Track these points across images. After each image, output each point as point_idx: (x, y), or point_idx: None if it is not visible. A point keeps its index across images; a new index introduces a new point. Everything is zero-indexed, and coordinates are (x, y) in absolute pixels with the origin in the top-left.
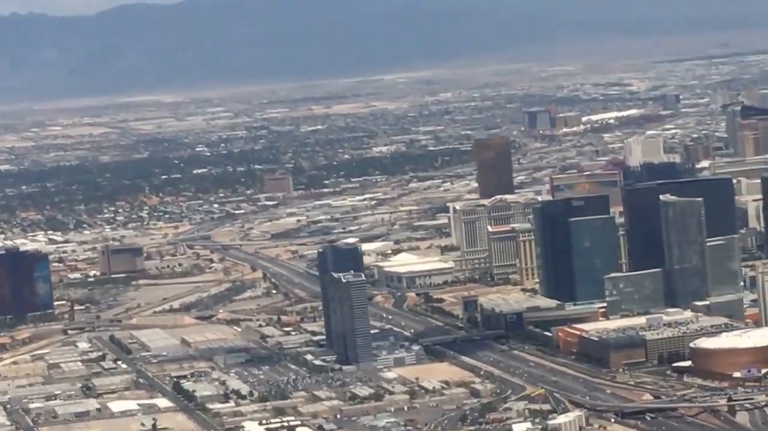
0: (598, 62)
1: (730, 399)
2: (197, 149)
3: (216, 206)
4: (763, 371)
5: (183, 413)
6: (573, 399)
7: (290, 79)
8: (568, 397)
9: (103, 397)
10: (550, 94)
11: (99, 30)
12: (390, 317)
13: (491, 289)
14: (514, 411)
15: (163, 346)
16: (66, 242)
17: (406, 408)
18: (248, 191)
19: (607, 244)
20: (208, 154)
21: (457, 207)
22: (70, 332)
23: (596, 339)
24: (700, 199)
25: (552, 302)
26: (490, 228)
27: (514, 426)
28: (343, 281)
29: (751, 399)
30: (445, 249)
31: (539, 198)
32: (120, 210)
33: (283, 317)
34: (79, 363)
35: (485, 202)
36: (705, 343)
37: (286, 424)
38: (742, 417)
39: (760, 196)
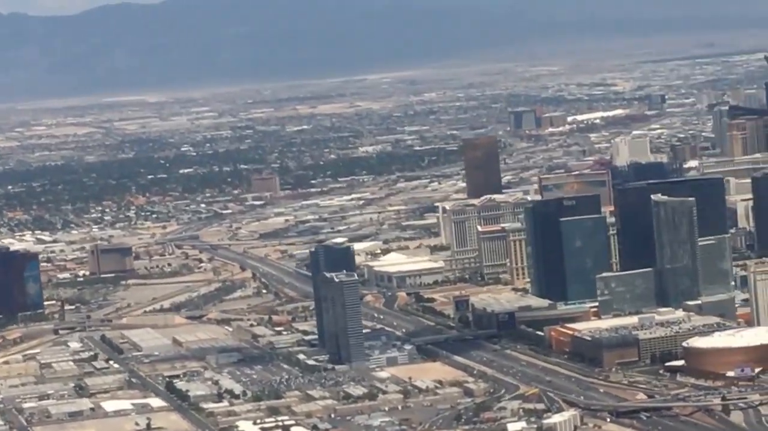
0: (582, 62)
1: (724, 399)
2: (182, 149)
3: (203, 206)
4: (757, 370)
5: (177, 413)
6: (567, 398)
7: (274, 80)
8: (562, 396)
9: (96, 397)
10: (535, 95)
11: (82, 30)
12: (381, 317)
13: (482, 289)
14: (509, 411)
15: (154, 346)
16: (54, 242)
17: (400, 408)
18: (235, 191)
19: (599, 244)
20: (194, 154)
21: (447, 207)
22: (61, 332)
23: (589, 338)
24: (692, 199)
25: (543, 302)
26: (480, 228)
27: (509, 426)
28: (336, 280)
29: (745, 398)
30: (434, 249)
31: (529, 198)
32: (107, 210)
33: (274, 317)
34: (71, 363)
35: (475, 202)
36: (698, 342)
37: (280, 424)
38: (736, 417)
39: (749, 196)
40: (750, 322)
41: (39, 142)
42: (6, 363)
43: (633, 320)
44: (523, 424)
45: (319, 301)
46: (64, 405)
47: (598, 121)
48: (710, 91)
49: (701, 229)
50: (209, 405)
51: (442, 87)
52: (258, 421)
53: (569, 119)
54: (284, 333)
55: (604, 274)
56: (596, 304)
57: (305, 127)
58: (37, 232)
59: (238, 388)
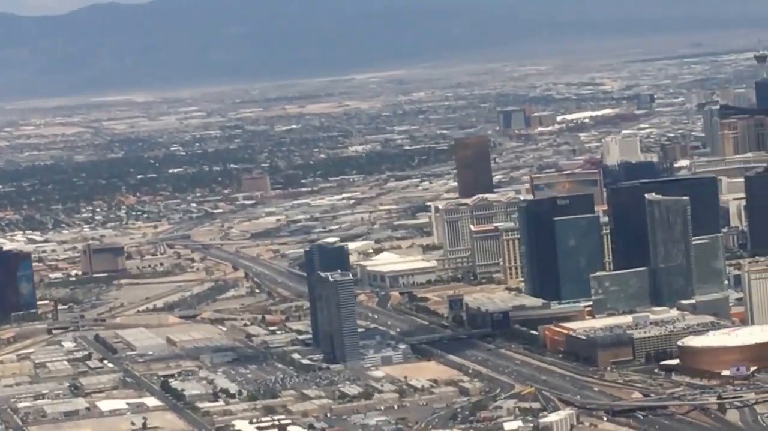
0: (570, 62)
1: (719, 397)
2: (172, 149)
3: (194, 205)
4: (752, 369)
5: (172, 412)
6: (563, 397)
7: (262, 79)
8: (558, 395)
9: (92, 396)
10: (523, 94)
11: (70, 30)
12: (374, 316)
13: (475, 288)
14: (505, 410)
15: (148, 345)
16: (45, 241)
17: (396, 407)
18: (225, 191)
19: (592, 243)
20: (183, 153)
21: (440, 206)
22: (54, 331)
23: (584, 337)
24: (686, 198)
25: (537, 301)
26: (472, 227)
27: (505, 425)
28: (331, 280)
29: (741, 397)
30: (426, 248)
31: (521, 197)
32: (98, 210)
33: (268, 317)
34: (65, 363)
35: (467, 201)
36: (693, 341)
37: (276, 423)
38: (732, 415)
39: (741, 195)
40: (744, 321)
41: (28, 142)
42: (0, 362)
43: (627, 319)
44: (519, 423)
45: (313, 300)
46: (59, 405)
47: (587, 120)
48: (699, 91)
49: (694, 228)
50: (205, 405)
51: (431, 87)
52: (254, 420)
53: (558, 118)
54: (278, 332)
55: (598, 273)
56: (590, 303)
57: (294, 126)
58: (27, 232)
59: (233, 387)
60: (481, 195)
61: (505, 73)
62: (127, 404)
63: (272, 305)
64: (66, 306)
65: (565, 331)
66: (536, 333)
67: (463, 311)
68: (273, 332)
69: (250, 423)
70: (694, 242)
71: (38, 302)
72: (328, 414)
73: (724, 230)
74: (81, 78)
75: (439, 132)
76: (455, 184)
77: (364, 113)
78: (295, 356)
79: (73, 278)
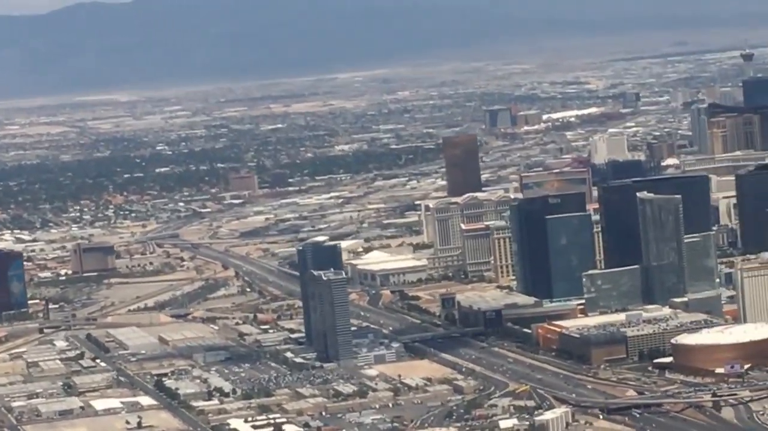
0: (554, 61)
1: (714, 395)
2: (158, 148)
3: (181, 204)
4: (746, 367)
5: (167, 411)
6: (557, 395)
7: (245, 78)
8: (553, 393)
9: (86, 395)
10: (509, 93)
11: (51, 29)
12: (366, 315)
13: (466, 286)
14: (500, 408)
15: (140, 344)
16: (34, 241)
17: (390, 405)
18: (213, 190)
19: (584, 241)
20: (169, 153)
21: (430, 205)
22: (46, 330)
23: (577, 335)
24: (678, 196)
25: (530, 300)
26: (463, 226)
27: (500, 423)
28: (324, 278)
29: (735, 394)
30: (416, 247)
31: (511, 196)
32: (85, 209)
33: (260, 316)
34: (58, 362)
35: (458, 200)
36: (687, 339)
37: (272, 421)
38: (727, 413)
39: (731, 193)
40: (737, 319)
41: (13, 141)
42: None
43: (620, 317)
44: (514, 421)
45: (306, 299)
46: (53, 404)
47: (573, 119)
48: (684, 90)
49: (686, 226)
50: (199, 403)
51: (415, 86)
52: (249, 419)
53: (544, 117)
54: (270, 331)
55: (591, 271)
56: (582, 301)
57: (280, 125)
58: (15, 231)
59: (227, 386)
60: (471, 194)
61: (489, 72)
62: (122, 403)
63: (264, 304)
64: (57, 306)
65: (558, 329)
66: (529, 331)
67: (455, 309)
68: (265, 331)
69: (246, 421)
70: (685, 241)
71: (29, 302)
72: (324, 413)
73: (714, 228)
74: (64, 77)
75: (425, 131)
76: (443, 182)
77: (350, 112)
78: (289, 355)
79: (63, 278)
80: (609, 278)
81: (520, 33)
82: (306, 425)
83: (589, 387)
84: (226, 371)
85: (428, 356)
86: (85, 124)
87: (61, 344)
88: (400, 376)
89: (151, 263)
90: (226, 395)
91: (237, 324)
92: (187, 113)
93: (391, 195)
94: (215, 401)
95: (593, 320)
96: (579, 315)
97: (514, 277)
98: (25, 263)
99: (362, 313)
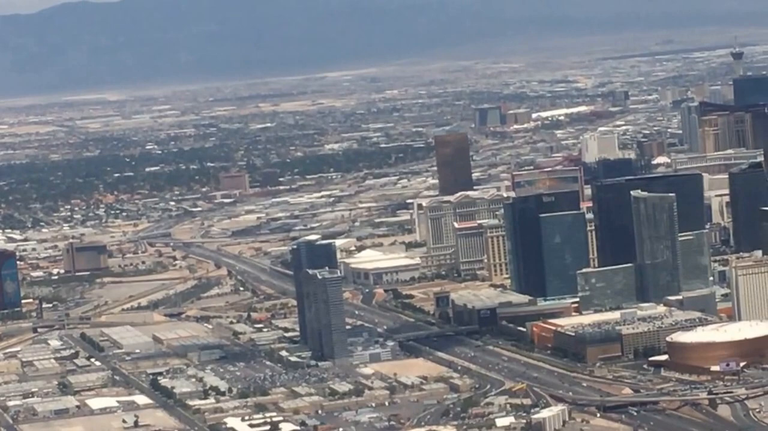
0: (542, 59)
1: (710, 393)
2: (147, 147)
3: (172, 203)
4: (742, 364)
5: (163, 410)
6: (554, 393)
7: (234, 77)
8: (549, 391)
9: (81, 394)
10: (497, 91)
11: (40, 28)
12: (360, 313)
13: (459, 285)
14: (496, 406)
15: (135, 343)
16: (25, 240)
17: (387, 404)
18: (203, 189)
19: (578, 240)
20: (159, 152)
21: (423, 204)
22: (39, 330)
23: (572, 333)
24: (672, 194)
25: (524, 298)
26: (456, 224)
27: (497, 421)
28: (319, 277)
29: (731, 392)
30: (409, 246)
31: (504, 195)
32: (76, 208)
33: (253, 314)
34: (53, 361)
35: (450, 198)
36: (682, 337)
37: (269, 420)
38: (723, 410)
39: (723, 191)
40: (731, 317)
41: (2, 141)
42: None
43: (615, 315)
44: (511, 419)
45: (301, 298)
46: (49, 403)
47: (562, 118)
48: (673, 88)
49: (679, 225)
50: (195, 402)
51: (404, 84)
52: (246, 418)
53: (534, 115)
54: (264, 330)
55: (585, 270)
56: (576, 300)
57: (269, 124)
58: (7, 230)
59: (223, 385)
60: (463, 192)
61: (478, 70)
62: (118, 402)
63: (257, 303)
64: (50, 305)
65: (553, 327)
66: (524, 329)
67: (450, 308)
68: (259, 329)
69: (242, 420)
70: (679, 239)
71: (22, 301)
72: (320, 411)
73: (707, 226)
74: (53, 77)
75: (414, 130)
76: (434, 181)
77: (339, 110)
78: (283, 353)
79: (56, 277)
80: (603, 276)
81: (509, 32)
82: (303, 423)
83: (584, 385)
84: (221, 370)
85: (423, 354)
86: (74, 123)
87: (55, 343)
88: (395, 375)
89: (143, 263)
90: (222, 394)
91: (231, 322)
92: (175, 112)
93: (382, 194)
94: (211, 400)
95: (588, 318)
96: (573, 314)
97: (507, 275)
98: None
99: (356, 312)
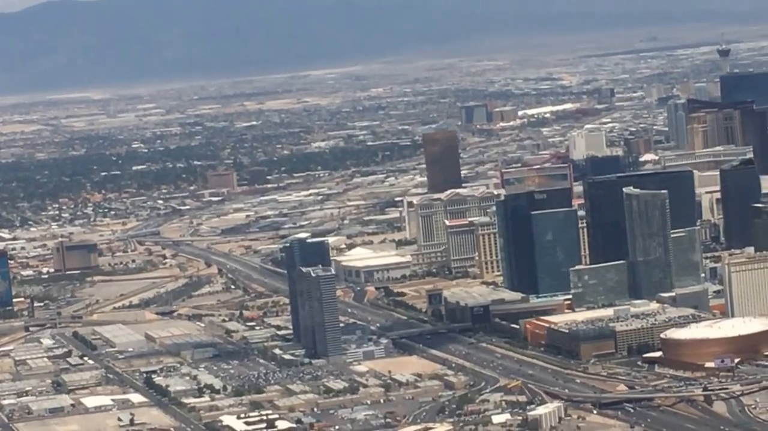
0: (527, 57)
1: (705, 389)
2: (133, 146)
3: (160, 202)
4: (736, 361)
5: (158, 408)
6: (549, 390)
7: (218, 76)
8: (544, 388)
9: (75, 393)
10: (482, 89)
11: (23, 27)
12: (352, 311)
13: (451, 282)
14: (492, 403)
15: (127, 342)
16: (14, 239)
17: (382, 401)
18: (191, 187)
19: (570, 237)
20: (145, 150)
21: (414, 202)
22: (31, 328)
23: (566, 330)
24: (664, 191)
25: (516, 295)
26: (447, 222)
27: (493, 418)
28: (313, 275)
29: (726, 388)
30: (399, 243)
31: (495, 192)
32: (64, 207)
33: (245, 313)
34: (46, 360)
35: (441, 196)
36: (676, 334)
37: (264, 418)
38: (719, 407)
39: (712, 188)
40: (724, 313)
41: None
42: None
43: (608, 312)
44: (507, 416)
45: (294, 296)
46: (44, 402)
47: (548, 115)
48: (658, 85)
49: (671, 221)
50: (190, 400)
51: (389, 82)
52: (242, 416)
53: (520, 113)
54: (257, 328)
55: (578, 267)
56: (568, 297)
57: (254, 123)
58: None
59: (217, 383)
60: (453, 190)
61: (462, 68)
62: (112, 400)
63: (249, 301)
64: (41, 304)
65: (546, 325)
66: (517, 326)
67: (442, 305)
68: (252, 328)
69: (238, 418)
70: (671, 236)
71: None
72: (315, 409)
73: (697, 223)
74: (37, 75)
75: (400, 128)
76: (422, 179)
77: (324, 109)
78: (277, 351)
79: (46, 276)
80: (596, 273)
81: (491, 29)
82: (298, 421)
83: (578, 381)
84: (215, 368)
85: (417, 352)
86: (59, 122)
87: (47, 342)
88: (389, 372)
89: (133, 261)
90: (217, 392)
91: (223, 321)
92: (160, 111)
93: (370, 192)
94: (206, 398)
95: (581, 315)
96: (566, 311)
97: (498, 273)
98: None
99: (348, 310)
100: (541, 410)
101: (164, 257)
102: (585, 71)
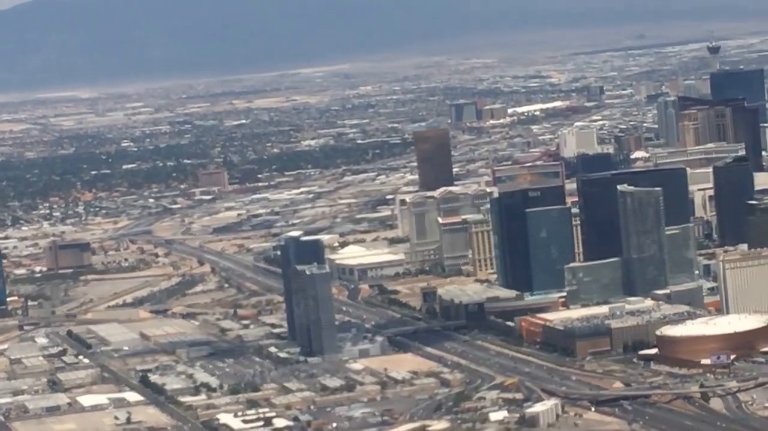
0: (514, 55)
1: (702, 386)
2: (123, 145)
3: (151, 200)
4: (732, 357)
5: (154, 406)
6: (545, 387)
7: (206, 74)
8: (540, 386)
9: (72, 392)
10: (471, 87)
11: (11, 25)
12: (347, 309)
13: (444, 280)
14: (488, 400)
15: (122, 340)
16: (5, 238)
17: (378, 399)
18: (182, 186)
19: (564, 234)
20: (135, 149)
21: (407, 199)
22: (26, 327)
23: (561, 328)
24: (658, 188)
25: (511, 293)
26: (440, 220)
27: (491, 415)
28: (308, 273)
29: (723, 385)
30: (392, 241)
31: (488, 190)
32: (55, 206)
33: (240, 311)
34: (41, 358)
35: (434, 194)
36: (672, 331)
37: (262, 416)
38: (716, 403)
39: (705, 185)
40: (719, 310)
41: None
42: None
43: (603, 309)
44: (504, 413)
45: (288, 294)
46: (40, 400)
47: (538, 113)
48: (647, 83)
49: (665, 219)
50: (187, 399)
51: (377, 80)
52: (239, 414)
53: (509, 111)
54: (251, 326)
55: (573, 264)
56: (562, 294)
57: (244, 121)
58: None
59: (214, 381)
60: (446, 188)
61: (451, 66)
62: (109, 399)
63: (243, 300)
64: (35, 303)
65: (541, 322)
66: (512, 324)
67: (437, 303)
68: (246, 326)
69: (235, 416)
70: (665, 233)
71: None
72: (312, 407)
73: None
74: (23, 74)
75: (390, 126)
76: (412, 177)
77: (313, 107)
78: (272, 350)
79: (39, 275)
80: (590, 270)
81: (479, 27)
82: (296, 419)
83: (574, 378)
84: (211, 366)
85: (412, 350)
86: (48, 121)
87: (42, 341)
88: (385, 370)
89: (126, 260)
90: (213, 390)
91: (217, 319)
92: (149, 110)
93: (361, 190)
94: (203, 396)
95: (576, 312)
96: (561, 308)
97: (492, 270)
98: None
99: (343, 308)
100: (538, 407)
101: (157, 255)
102: (573, 69)
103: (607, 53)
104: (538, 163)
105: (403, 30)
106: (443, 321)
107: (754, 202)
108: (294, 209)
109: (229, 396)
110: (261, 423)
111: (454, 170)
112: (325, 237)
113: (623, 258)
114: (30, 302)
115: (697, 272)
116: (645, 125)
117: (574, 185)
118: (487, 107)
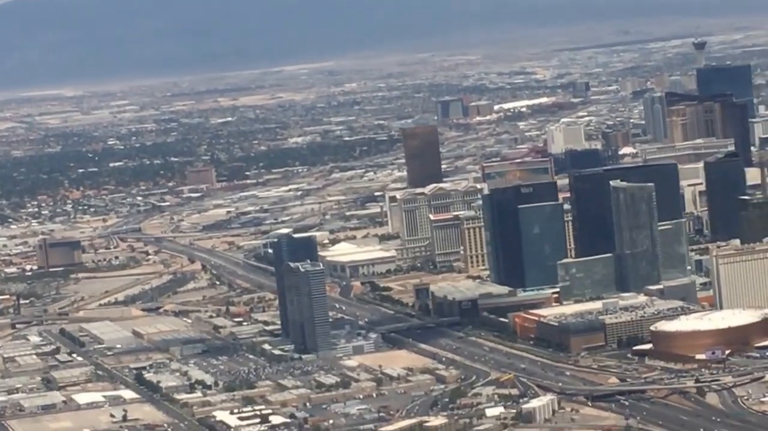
0: (499, 51)
1: (697, 381)
2: (109, 143)
3: (140, 198)
4: (727, 352)
5: (150, 404)
6: (541, 383)
7: (190, 72)
8: (536, 382)
9: (66, 390)
10: (457, 84)
11: None
12: (340, 306)
13: (436, 277)
14: (484, 396)
15: (115, 338)
16: None
17: (374, 395)
18: (170, 184)
19: (556, 230)
20: (122, 147)
21: (397, 196)
22: (18, 326)
23: (555, 324)
24: (651, 184)
25: (504, 289)
26: (431, 216)
27: (487, 411)
28: (302, 270)
29: (718, 380)
30: (382, 238)
31: (479, 186)
32: (43, 204)
33: (232, 308)
34: (34, 357)
35: (424, 190)
36: (666, 326)
37: (258, 413)
38: (711, 398)
39: (694, 181)
40: (713, 305)
41: None
42: None
43: (596, 305)
44: (501, 409)
45: (282, 291)
46: (35, 399)
47: (524, 109)
48: (633, 79)
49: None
50: (182, 396)
51: (362, 77)
52: (235, 411)
53: (496, 107)
54: (244, 323)
55: (566, 260)
56: (555, 290)
57: (230, 119)
58: None
59: (208, 379)
60: (436, 184)
61: (435, 63)
62: (104, 397)
63: (235, 297)
64: (26, 301)
65: (535, 318)
66: (505, 320)
67: (430, 299)
68: (239, 323)
69: (231, 413)
70: (658, 228)
71: None
72: (307, 404)
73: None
74: (9, 73)
75: (376, 123)
76: (400, 173)
77: (299, 104)
78: (266, 347)
79: (29, 273)
80: (583, 266)
81: (463, 24)
82: (292, 416)
83: (568, 373)
84: (205, 364)
85: (406, 346)
86: (33, 119)
87: (35, 339)
88: (380, 366)
89: (116, 258)
90: (209, 387)
91: (210, 317)
92: (134, 108)
93: (349, 187)
94: (198, 393)
95: (570, 308)
96: (554, 304)
97: (484, 267)
98: None
99: (336, 305)
100: (534, 403)
101: (147, 253)
102: (558, 65)
103: (591, 49)
104: (527, 159)
105: (387, 27)
106: (437, 318)
107: (746, 197)
108: (283, 207)
109: (225, 393)
110: (257, 420)
111: (443, 166)
112: (315, 234)
113: (616, 254)
114: (21, 301)
115: (689, 267)
116: (632, 120)
117: (564, 181)
118: (474, 104)
